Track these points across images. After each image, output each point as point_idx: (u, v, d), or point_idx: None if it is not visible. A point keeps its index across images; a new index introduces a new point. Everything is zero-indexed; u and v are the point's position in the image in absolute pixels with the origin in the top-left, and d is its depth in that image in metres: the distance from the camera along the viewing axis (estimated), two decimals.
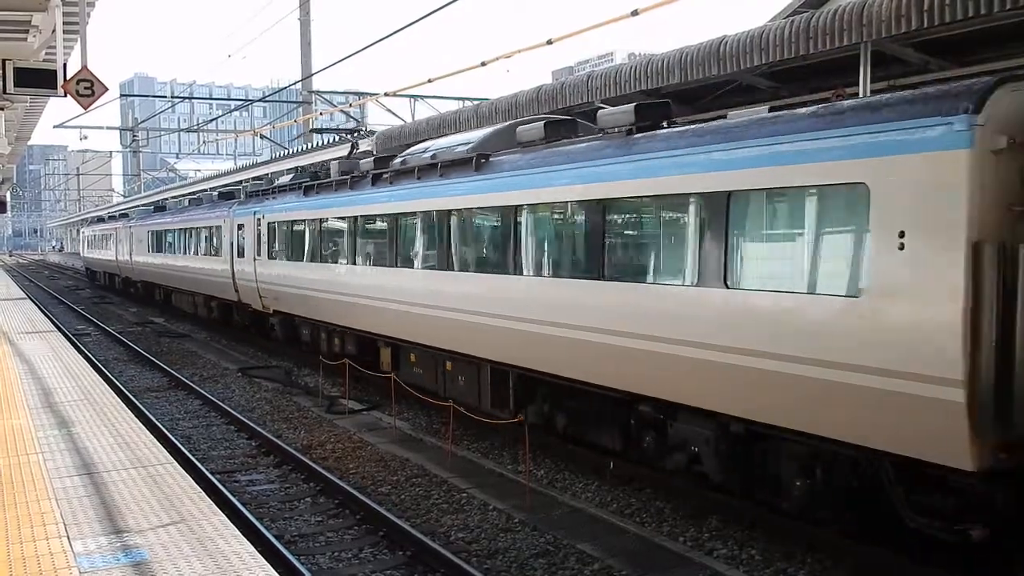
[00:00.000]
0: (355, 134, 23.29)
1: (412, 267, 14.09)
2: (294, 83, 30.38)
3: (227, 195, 26.71)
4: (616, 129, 10.38)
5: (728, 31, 11.78)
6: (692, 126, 9.67)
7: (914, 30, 9.30)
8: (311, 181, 19.20)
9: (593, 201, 10.04)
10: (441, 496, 10.65)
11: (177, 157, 77.48)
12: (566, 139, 11.62)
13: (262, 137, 35.15)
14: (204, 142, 52.81)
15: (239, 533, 6.52)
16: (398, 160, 15.72)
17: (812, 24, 10.27)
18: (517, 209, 11.38)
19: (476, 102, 20.33)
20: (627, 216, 10.09)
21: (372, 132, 23.50)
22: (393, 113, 27.76)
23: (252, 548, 6.19)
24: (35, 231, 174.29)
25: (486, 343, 12.10)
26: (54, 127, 45.89)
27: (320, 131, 28.14)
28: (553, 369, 10.91)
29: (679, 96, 13.29)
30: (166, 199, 43.07)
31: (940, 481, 6.92)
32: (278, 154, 31.98)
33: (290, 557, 8.40)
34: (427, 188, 13.65)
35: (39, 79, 12.05)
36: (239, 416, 15.00)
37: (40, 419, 10.43)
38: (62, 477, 7.95)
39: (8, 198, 55.21)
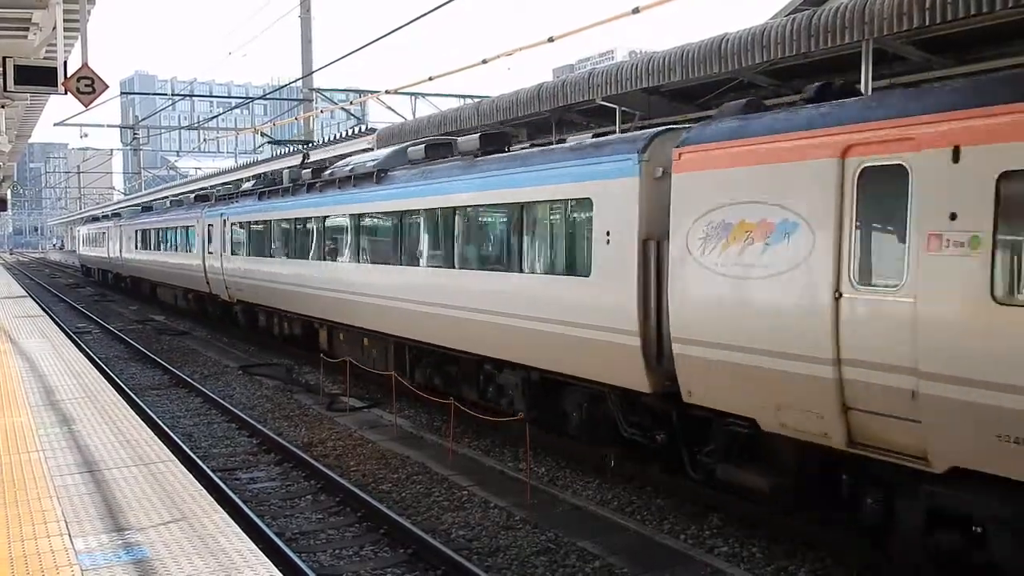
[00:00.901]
0: (306, 145, 27.49)
1: (335, 261, 17.05)
2: (295, 80, 30.35)
3: (202, 198, 29.67)
4: (467, 153, 13.39)
5: (729, 29, 11.78)
6: (514, 152, 13.05)
7: (916, 28, 9.30)
8: (264, 188, 22.25)
9: (450, 208, 13.03)
10: (442, 494, 10.65)
11: (178, 155, 77.54)
12: (441, 159, 14.51)
13: (262, 135, 35.10)
14: (205, 140, 52.78)
15: (240, 531, 6.52)
16: (327, 172, 18.79)
17: (814, 22, 10.26)
18: (404, 214, 14.39)
19: (477, 100, 20.32)
20: (470, 220, 12.90)
21: (373, 130, 23.51)
22: (394, 111, 27.72)
23: (253, 546, 6.19)
24: (36, 229, 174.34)
25: (390, 322, 14.96)
26: (55, 125, 45.89)
27: (276, 142, 32.58)
28: (433, 340, 13.80)
29: (681, 94, 13.28)
30: (152, 201, 46.34)
31: (640, 403, 10.09)
32: (277, 152, 31.98)
33: (291, 555, 8.40)
34: (344, 196, 16.70)
35: (40, 77, 12.03)
36: (240, 414, 15.01)
37: (41, 417, 10.43)
38: (63, 475, 7.95)
39: (9, 196, 55.19)
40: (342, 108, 31.34)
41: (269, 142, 34.25)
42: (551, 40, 14.75)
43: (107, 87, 11.91)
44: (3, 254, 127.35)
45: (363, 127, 24.59)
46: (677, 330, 8.90)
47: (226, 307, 25.05)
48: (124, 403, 11.49)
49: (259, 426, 14.07)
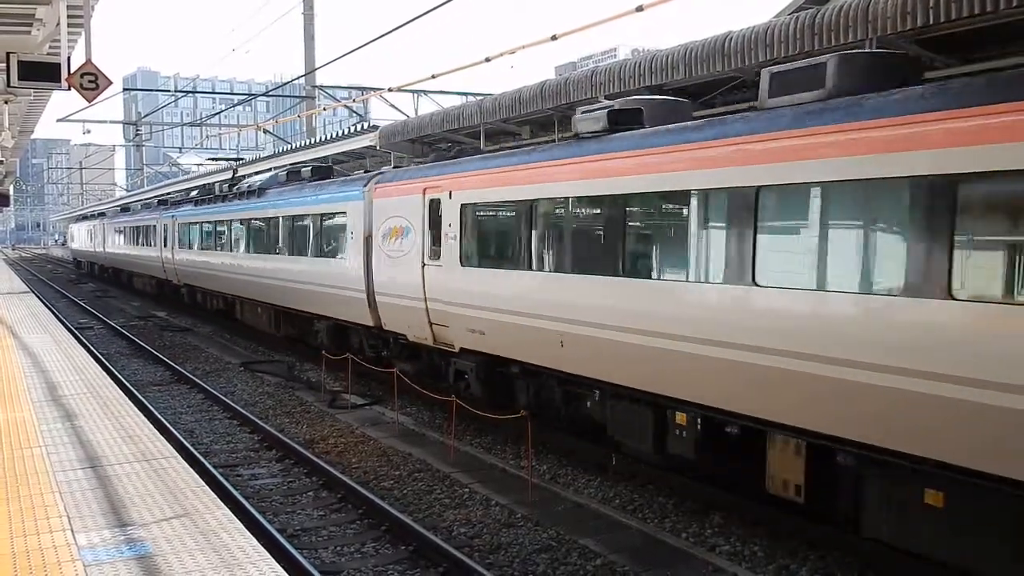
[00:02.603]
0: (237, 161, 34.10)
1: (238, 252, 23.49)
2: (297, 78, 30.34)
3: (163, 202, 35.25)
4: (302, 179, 20.99)
5: (733, 27, 11.76)
6: (316, 182, 19.87)
7: (919, 27, 9.28)
8: (199, 196, 29.38)
9: (290, 216, 19.73)
10: (443, 491, 10.66)
11: (180, 151, 77.47)
12: (293, 183, 21.26)
13: (265, 132, 35.09)
14: (207, 136, 52.75)
15: (242, 527, 6.52)
16: (237, 187, 25.57)
17: (817, 21, 10.24)
18: (259, 220, 21.81)
19: (480, 97, 20.30)
20: (293, 225, 19.58)
21: (375, 127, 23.50)
22: (397, 108, 27.69)
23: (256, 542, 6.19)
24: (38, 225, 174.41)
25: (267, 295, 21.37)
26: (57, 121, 45.89)
27: (216, 159, 39.15)
28: (294, 305, 19.75)
29: (684, 92, 13.26)
30: (130, 203, 52.64)
31: (371, 332, 16.16)
32: (280, 148, 31.99)
33: (293, 551, 8.41)
34: (239, 205, 23.67)
35: (43, 73, 12.02)
36: (242, 410, 15.02)
37: (43, 412, 10.44)
38: (66, 470, 7.96)
39: (11, 192, 55.23)
40: (344, 105, 31.30)
41: (276, 139, 35.83)
42: (554, 38, 14.74)
43: (110, 83, 11.88)
44: (5, 250, 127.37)
45: (365, 124, 24.60)
46: (376, 287, 15.41)
47: (176, 288, 31.82)
48: (126, 399, 11.50)
49: (261, 423, 14.08)
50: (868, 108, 7.23)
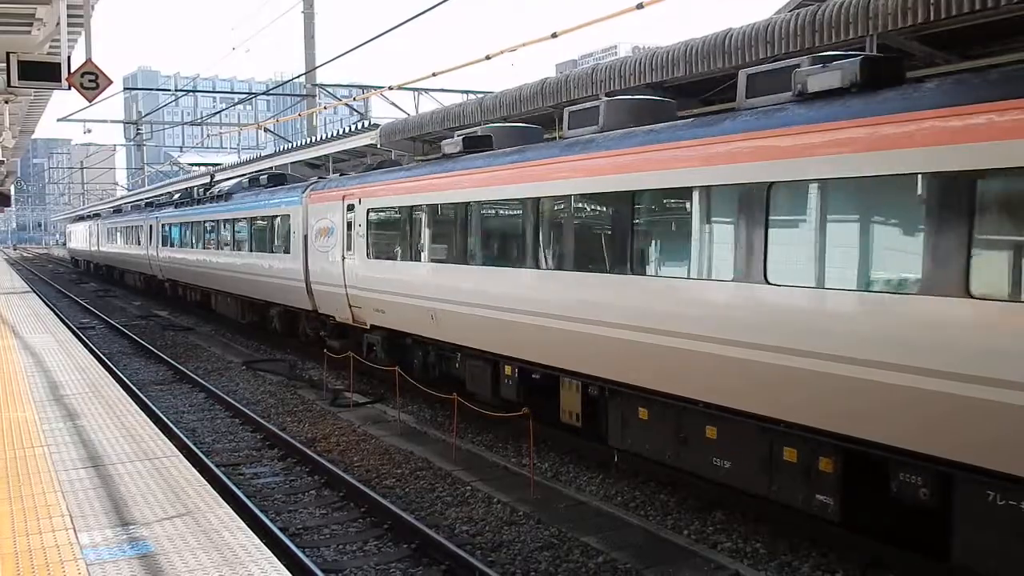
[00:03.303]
0: (215, 167, 39.16)
1: (209, 249, 26.59)
2: (297, 76, 30.32)
3: (150, 204, 38.37)
4: (259, 186, 24.59)
5: (733, 24, 11.75)
6: (268, 188, 23.59)
7: (920, 23, 9.27)
8: (179, 199, 33.31)
9: (249, 217, 23.06)
10: (446, 489, 10.66)
11: (181, 150, 77.49)
12: (253, 188, 24.91)
13: (266, 131, 35.09)
14: (208, 136, 52.75)
15: (244, 525, 6.53)
16: (215, 189, 28.99)
17: (817, 17, 10.23)
18: (225, 221, 25.09)
19: (481, 95, 20.30)
20: (256, 225, 22.49)
21: (376, 125, 23.49)
22: (397, 107, 27.68)
23: (258, 540, 6.20)
24: (39, 225, 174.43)
25: (234, 287, 24.56)
26: (58, 120, 45.94)
27: (198, 164, 44.84)
28: (247, 294, 23.50)
29: (685, 89, 13.25)
30: (121, 205, 57.48)
31: (310, 316, 19.57)
32: (282, 147, 32.03)
33: (295, 550, 8.41)
34: (213, 207, 26.60)
35: (43, 72, 12.02)
36: (244, 409, 15.03)
37: (46, 412, 10.46)
38: (68, 470, 7.97)
39: (12, 192, 55.25)
40: (345, 104, 31.28)
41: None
42: (554, 36, 14.70)
43: (111, 82, 11.89)
44: (7, 249, 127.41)
45: (366, 123, 24.62)
46: (312, 277, 18.51)
47: (161, 283, 34.94)
48: (128, 398, 11.51)
49: (263, 421, 14.09)
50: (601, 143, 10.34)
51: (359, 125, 24.52)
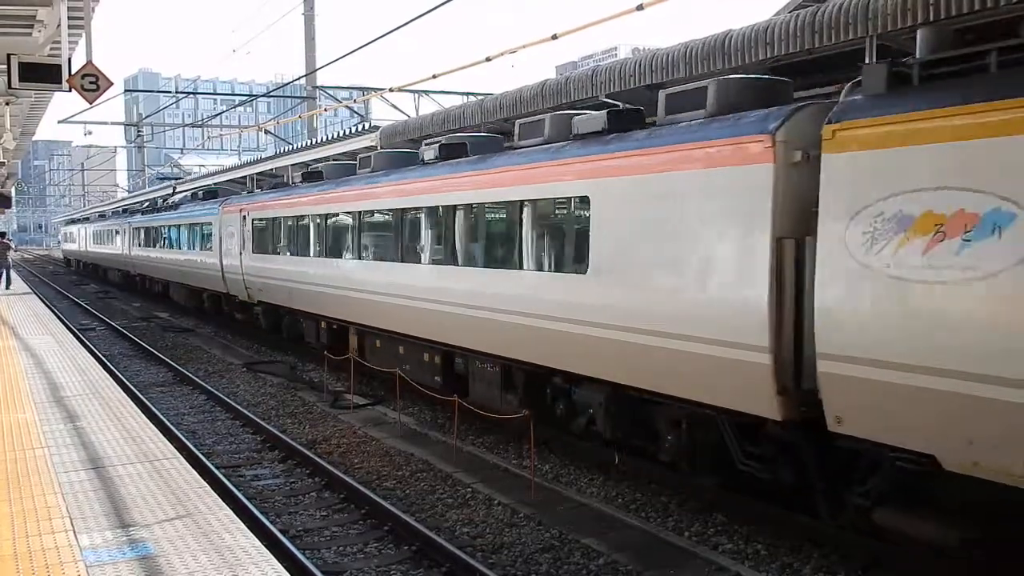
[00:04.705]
0: (177, 180, 46.03)
1: (164, 248, 32.97)
2: (298, 78, 30.38)
3: (127, 210, 46.95)
4: (201, 198, 31.00)
5: (733, 25, 11.76)
6: (199, 201, 30.62)
7: (920, 24, 9.26)
8: (147, 207, 40.97)
9: (187, 223, 28.87)
10: (446, 491, 10.65)
11: (182, 152, 77.42)
12: (196, 200, 31.33)
13: (267, 132, 35.11)
14: (208, 138, 52.71)
15: (245, 527, 6.53)
16: (170, 200, 37.18)
17: (817, 18, 10.23)
18: (174, 226, 30.74)
19: (480, 97, 20.29)
20: (192, 229, 28.01)
21: (376, 127, 23.50)
22: (397, 108, 27.69)
23: (258, 542, 6.20)
24: (40, 227, 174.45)
25: (181, 277, 30.45)
26: (59, 122, 46.03)
27: (163, 178, 52.22)
28: (188, 282, 29.32)
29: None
30: (106, 211, 62.80)
31: (227, 299, 25.96)
32: (282, 149, 32.06)
33: (295, 552, 8.40)
34: (166, 215, 33.47)
35: (44, 74, 12.03)
36: (244, 411, 15.02)
37: (46, 413, 10.46)
38: (68, 471, 7.97)
39: (13, 194, 55.27)
40: (345, 106, 31.30)
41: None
42: (555, 37, 14.71)
43: (111, 84, 11.89)
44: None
45: (366, 125, 24.64)
46: (225, 268, 24.22)
47: (134, 277, 41.28)
48: (129, 400, 11.51)
49: (263, 423, 14.08)
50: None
51: (359, 127, 24.53)
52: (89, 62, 11.78)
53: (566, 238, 10.77)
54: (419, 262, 13.99)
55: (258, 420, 14.31)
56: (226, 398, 16.20)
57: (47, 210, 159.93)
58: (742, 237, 7.97)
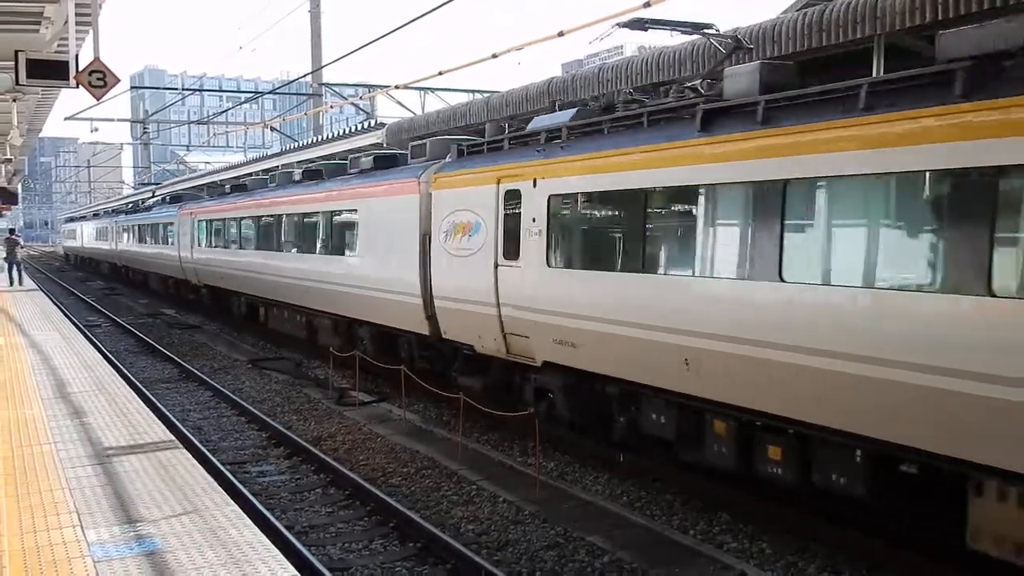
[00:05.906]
0: (156, 185, 51.78)
1: (142, 243, 37.55)
2: (304, 75, 30.39)
3: (115, 211, 51.94)
4: (172, 202, 35.70)
5: (741, 23, 11.74)
6: (169, 206, 35.29)
7: (928, 23, 9.26)
8: (129, 208, 46.65)
9: (157, 223, 34.86)
10: (451, 488, 10.67)
11: (187, 149, 77.53)
12: (164, 203, 37.24)
13: (272, 130, 35.17)
14: (214, 135, 52.74)
15: (251, 523, 6.54)
16: (146, 202, 43.95)
17: (825, 17, 10.23)
18: (150, 224, 36.39)
19: (486, 95, 20.30)
20: (160, 228, 34.09)
21: (382, 125, 23.52)
22: (403, 106, 27.69)
23: (264, 538, 6.21)
24: (46, 223, 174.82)
25: (154, 268, 36.27)
26: (65, 119, 46.20)
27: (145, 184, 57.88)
28: (164, 272, 34.18)
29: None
30: (100, 210, 67.59)
31: (187, 285, 32.01)
32: (289, 146, 32.13)
33: (301, 548, 8.42)
34: (142, 215, 38.77)
35: (51, 71, 12.05)
36: (249, 408, 15.05)
37: (53, 409, 10.49)
38: (75, 467, 8.00)
39: (20, 190, 55.41)
40: (351, 103, 31.32)
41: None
42: (561, 34, 14.69)
43: (118, 80, 11.91)
44: None
45: (372, 122, 24.67)
46: (182, 260, 30.18)
47: (119, 268, 46.72)
48: (135, 396, 11.54)
49: (269, 420, 14.11)
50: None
51: (365, 124, 24.54)
52: (96, 58, 11.80)
53: (347, 233, 17.13)
54: (283, 251, 20.69)
55: (263, 416, 14.34)
56: (231, 395, 16.23)
57: (53, 207, 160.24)
58: (410, 233, 14.21)
